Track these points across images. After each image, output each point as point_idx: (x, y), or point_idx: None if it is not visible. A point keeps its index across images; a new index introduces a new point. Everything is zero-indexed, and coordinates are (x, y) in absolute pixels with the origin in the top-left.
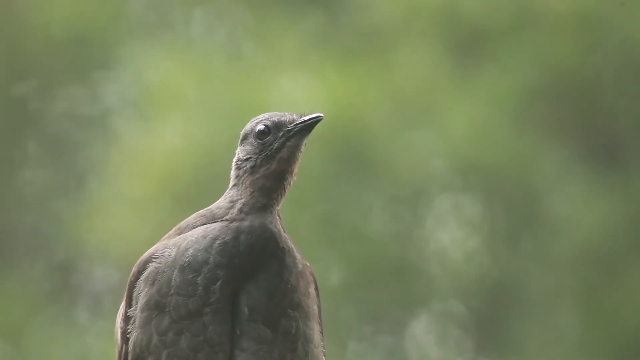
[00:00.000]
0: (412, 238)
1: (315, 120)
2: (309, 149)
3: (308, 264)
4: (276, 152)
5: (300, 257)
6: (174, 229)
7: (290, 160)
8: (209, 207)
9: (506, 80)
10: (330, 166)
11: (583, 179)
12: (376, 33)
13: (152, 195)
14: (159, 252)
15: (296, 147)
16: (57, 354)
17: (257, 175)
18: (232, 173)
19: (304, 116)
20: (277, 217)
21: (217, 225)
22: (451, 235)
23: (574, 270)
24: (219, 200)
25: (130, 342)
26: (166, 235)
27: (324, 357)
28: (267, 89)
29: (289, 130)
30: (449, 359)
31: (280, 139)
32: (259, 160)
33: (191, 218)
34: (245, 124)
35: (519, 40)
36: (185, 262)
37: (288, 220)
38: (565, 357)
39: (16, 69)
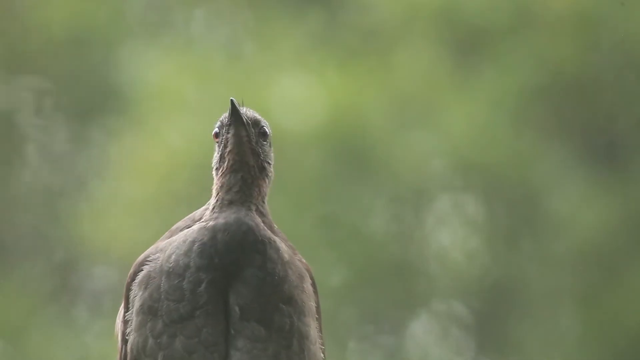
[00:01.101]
0: (412, 238)
1: (233, 108)
2: (309, 149)
3: (304, 261)
4: (224, 148)
5: (290, 250)
6: (167, 232)
7: (235, 151)
8: (197, 210)
9: (506, 80)
10: (330, 166)
11: (583, 179)
12: (376, 33)
13: (152, 195)
14: (151, 255)
15: (235, 137)
16: (57, 353)
17: (219, 175)
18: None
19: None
20: (257, 212)
21: (195, 227)
22: (451, 235)
23: (574, 270)
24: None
25: (128, 343)
26: (160, 237)
27: (322, 354)
28: (267, 89)
29: (226, 124)
30: (449, 359)
31: (224, 135)
32: (218, 161)
33: (181, 222)
34: None
35: (519, 40)
36: (170, 267)
37: (289, 221)
38: (565, 357)
39: (16, 69)
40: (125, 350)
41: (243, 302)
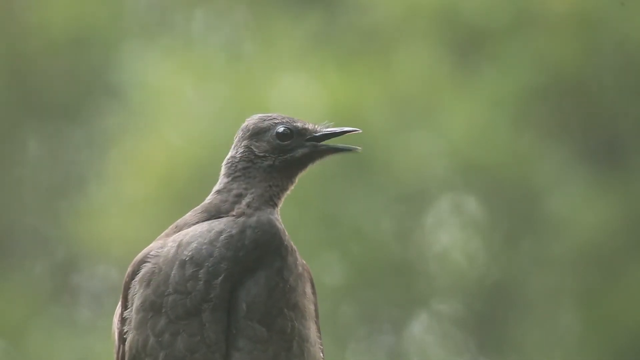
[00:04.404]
0: (412, 238)
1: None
2: None
3: (304, 262)
4: (302, 159)
5: (299, 258)
6: (171, 226)
7: (309, 168)
8: (206, 202)
9: (506, 80)
10: (331, 166)
11: (583, 179)
12: (376, 33)
13: (152, 195)
14: (154, 251)
15: (322, 159)
16: (58, 353)
17: (275, 174)
18: (237, 165)
19: (328, 127)
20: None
21: (223, 219)
22: (451, 235)
23: (574, 270)
24: (215, 194)
25: (126, 342)
26: (163, 233)
27: (321, 354)
28: (267, 89)
29: (316, 140)
30: (449, 359)
31: (305, 147)
32: (277, 161)
33: (188, 216)
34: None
35: (519, 40)
36: (188, 256)
37: (289, 220)
38: (565, 357)
39: (16, 69)
40: (123, 350)
41: (251, 301)
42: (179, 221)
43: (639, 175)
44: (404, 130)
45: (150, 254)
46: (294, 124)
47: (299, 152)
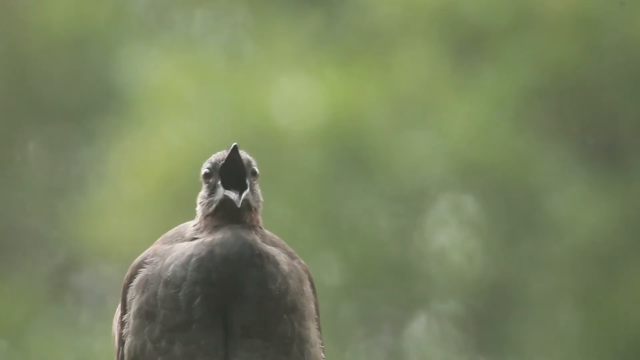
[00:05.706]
0: (412, 238)
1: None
2: (308, 149)
3: (303, 262)
4: (221, 206)
5: (289, 259)
6: (160, 237)
7: (231, 215)
8: (182, 224)
9: (506, 80)
10: (330, 166)
11: (583, 179)
12: (376, 33)
13: (152, 195)
14: (148, 258)
15: (233, 205)
16: (58, 354)
17: (219, 214)
18: (197, 212)
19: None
20: (254, 229)
21: (193, 242)
22: (451, 235)
23: (574, 270)
24: (186, 224)
25: (125, 346)
26: (156, 241)
27: (322, 354)
28: (267, 89)
29: (220, 171)
30: (448, 359)
31: (220, 195)
32: (206, 202)
33: (170, 232)
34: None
35: (519, 40)
36: (168, 277)
37: (288, 221)
38: (565, 357)
39: (16, 69)
40: (123, 352)
41: (248, 322)
42: (167, 234)
43: (639, 175)
44: (403, 130)
45: (146, 260)
46: (212, 162)
47: (216, 198)
